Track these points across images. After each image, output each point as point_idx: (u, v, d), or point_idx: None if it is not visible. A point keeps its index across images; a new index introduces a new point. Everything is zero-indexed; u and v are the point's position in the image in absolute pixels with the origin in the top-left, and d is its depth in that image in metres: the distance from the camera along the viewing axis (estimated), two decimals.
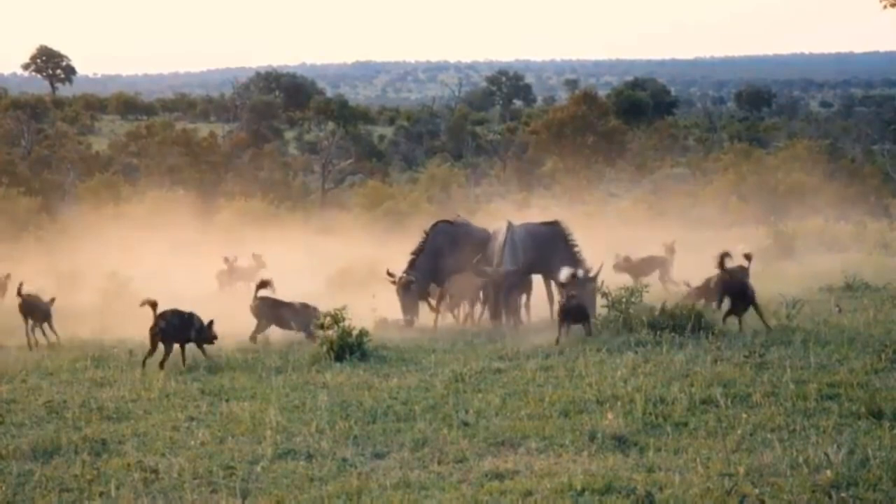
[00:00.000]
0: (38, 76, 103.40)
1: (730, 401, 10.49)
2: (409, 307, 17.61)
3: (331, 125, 77.27)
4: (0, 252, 29.48)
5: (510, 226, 17.67)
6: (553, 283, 17.45)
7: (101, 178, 48.45)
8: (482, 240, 18.09)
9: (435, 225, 18.59)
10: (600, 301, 15.70)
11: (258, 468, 8.90)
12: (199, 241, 31.50)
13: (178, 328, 13.72)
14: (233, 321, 16.86)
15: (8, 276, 22.66)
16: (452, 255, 17.86)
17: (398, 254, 18.88)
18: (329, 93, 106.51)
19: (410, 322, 17.42)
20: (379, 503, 8.07)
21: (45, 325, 16.44)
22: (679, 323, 14.40)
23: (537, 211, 30.90)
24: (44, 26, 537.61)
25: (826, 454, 8.53)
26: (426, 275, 17.88)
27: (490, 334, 15.93)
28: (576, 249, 17.75)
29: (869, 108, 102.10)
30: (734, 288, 14.71)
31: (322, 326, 13.95)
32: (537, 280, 18.00)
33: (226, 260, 23.56)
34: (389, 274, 17.86)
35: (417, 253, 18.11)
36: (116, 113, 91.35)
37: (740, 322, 14.67)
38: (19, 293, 16.56)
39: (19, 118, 63.70)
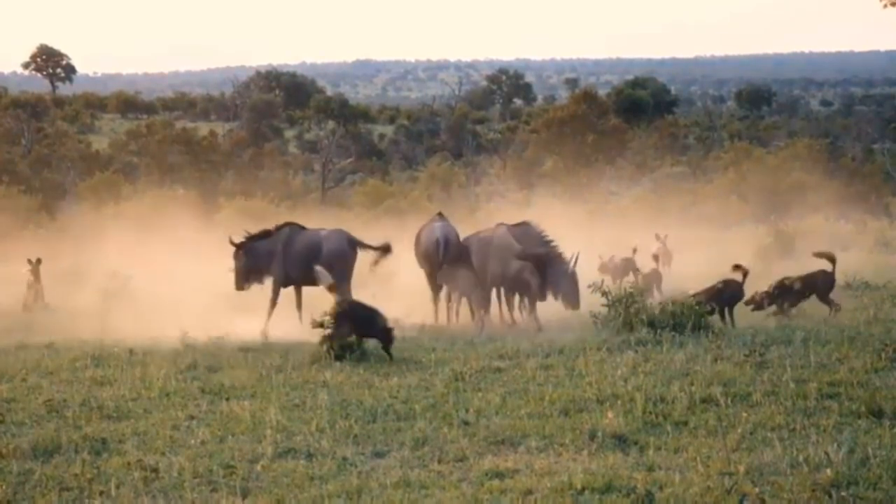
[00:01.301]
0: (39, 75, 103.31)
1: (730, 400, 10.48)
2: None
3: (331, 124, 77.27)
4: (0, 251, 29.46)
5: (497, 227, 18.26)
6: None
7: (102, 177, 48.47)
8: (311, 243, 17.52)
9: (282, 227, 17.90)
10: (600, 300, 15.68)
11: (258, 467, 8.90)
12: (199, 240, 31.47)
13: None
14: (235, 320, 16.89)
15: (38, 261, 22.65)
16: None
17: (399, 253, 18.78)
18: (329, 91, 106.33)
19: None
20: (379, 502, 8.06)
21: None
22: (679, 322, 14.41)
23: (538, 210, 30.86)
24: (44, 25, 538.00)
25: (826, 453, 8.53)
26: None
27: (490, 333, 15.94)
28: (552, 245, 17.78)
29: (869, 107, 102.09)
30: (829, 281, 16.42)
31: (322, 325, 13.93)
32: None
33: None
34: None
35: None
36: (116, 112, 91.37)
37: (831, 306, 16.08)
38: None
39: (19, 117, 63.63)
